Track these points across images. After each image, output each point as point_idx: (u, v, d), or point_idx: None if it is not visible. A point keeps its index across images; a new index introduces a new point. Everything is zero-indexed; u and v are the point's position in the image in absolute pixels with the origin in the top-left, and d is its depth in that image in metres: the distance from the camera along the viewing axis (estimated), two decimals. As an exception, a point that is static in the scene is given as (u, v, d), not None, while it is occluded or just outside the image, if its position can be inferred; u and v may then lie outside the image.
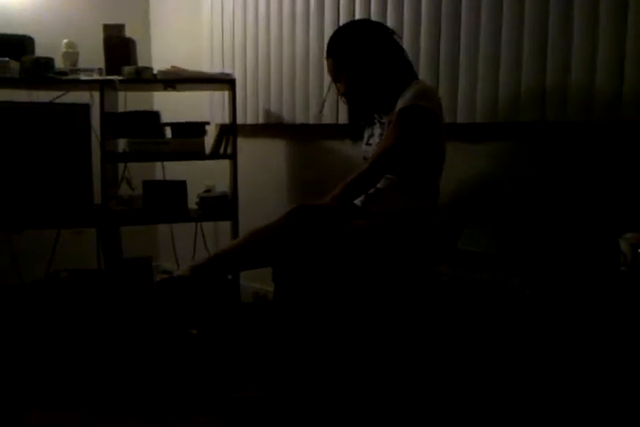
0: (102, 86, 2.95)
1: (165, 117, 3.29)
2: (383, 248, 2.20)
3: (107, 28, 3.14)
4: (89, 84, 2.99)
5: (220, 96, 3.49)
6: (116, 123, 3.07)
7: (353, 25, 2.43)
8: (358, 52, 2.33)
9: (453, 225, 2.51)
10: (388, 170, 2.29)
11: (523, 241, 2.38)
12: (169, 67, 3.14)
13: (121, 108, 3.36)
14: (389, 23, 2.68)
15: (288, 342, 2.19)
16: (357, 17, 2.87)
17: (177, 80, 3.06)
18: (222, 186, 3.35)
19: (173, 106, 3.60)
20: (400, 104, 2.25)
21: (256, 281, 3.39)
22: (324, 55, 2.46)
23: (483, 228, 2.48)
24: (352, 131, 2.59)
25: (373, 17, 2.80)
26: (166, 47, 3.86)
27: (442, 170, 2.43)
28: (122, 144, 3.14)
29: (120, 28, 3.14)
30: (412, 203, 2.32)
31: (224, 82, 3.17)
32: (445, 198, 2.50)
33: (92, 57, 3.17)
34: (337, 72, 2.38)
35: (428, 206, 2.36)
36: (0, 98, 3.12)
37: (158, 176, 3.58)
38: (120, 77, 2.99)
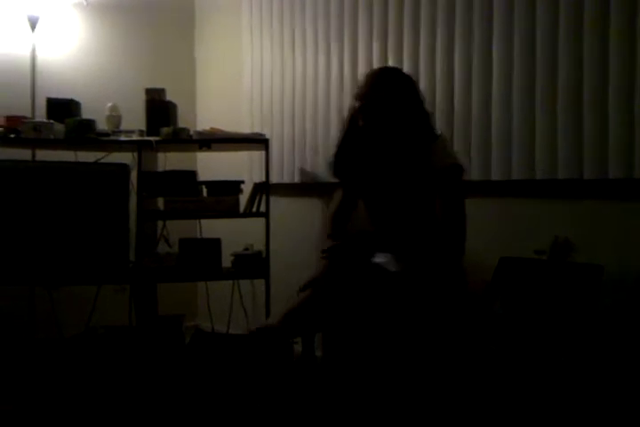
0: (140, 147, 3.06)
1: (207, 176, 3.37)
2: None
3: (148, 91, 3.27)
4: (129, 145, 3.11)
5: (257, 155, 3.55)
6: (154, 182, 3.16)
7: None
8: (410, 88, 2.36)
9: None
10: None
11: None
12: (208, 128, 3.23)
13: (163, 168, 3.45)
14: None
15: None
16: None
17: (211, 140, 3.14)
18: (260, 244, 3.37)
19: (214, 165, 3.68)
20: (439, 162, 2.26)
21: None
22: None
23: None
24: (342, 160, 2.46)
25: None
26: (210, 109, 3.98)
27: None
28: (159, 202, 3.22)
29: (161, 92, 3.27)
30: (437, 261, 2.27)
31: (258, 142, 3.23)
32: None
33: (136, 118, 3.31)
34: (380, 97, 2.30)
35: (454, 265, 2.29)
36: (47, 158, 3.30)
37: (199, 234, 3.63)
38: (157, 138, 3.09)
